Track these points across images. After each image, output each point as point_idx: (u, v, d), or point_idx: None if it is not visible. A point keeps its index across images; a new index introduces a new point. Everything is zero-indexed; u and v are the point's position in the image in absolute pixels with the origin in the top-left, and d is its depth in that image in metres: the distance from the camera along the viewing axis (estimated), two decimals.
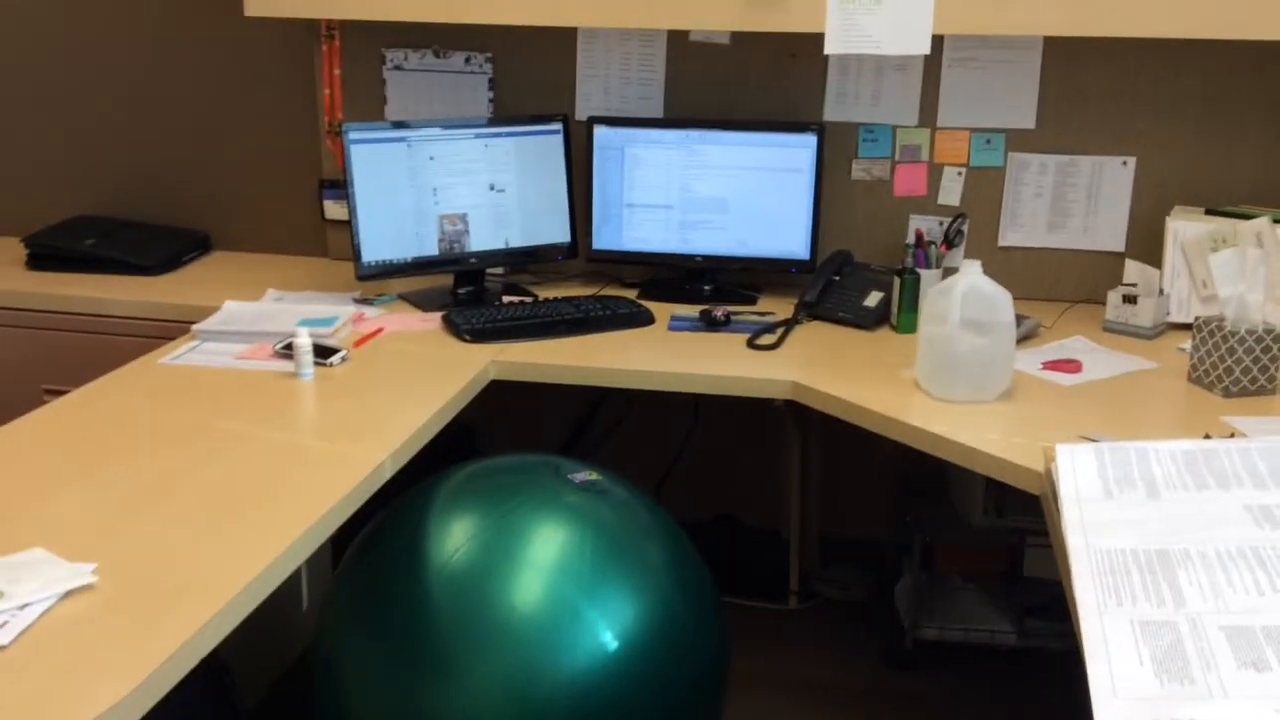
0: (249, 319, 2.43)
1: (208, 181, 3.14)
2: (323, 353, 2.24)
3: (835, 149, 2.77)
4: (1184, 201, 2.67)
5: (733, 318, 2.58)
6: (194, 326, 2.40)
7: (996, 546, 2.77)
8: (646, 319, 2.59)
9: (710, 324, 2.56)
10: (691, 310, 2.64)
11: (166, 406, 2.02)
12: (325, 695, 2.02)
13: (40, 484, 1.71)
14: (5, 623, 1.34)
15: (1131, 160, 2.71)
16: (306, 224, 3.09)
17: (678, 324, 2.58)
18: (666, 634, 1.98)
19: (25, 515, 1.61)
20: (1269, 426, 1.99)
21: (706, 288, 2.79)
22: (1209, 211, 2.60)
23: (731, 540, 3.12)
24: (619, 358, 2.38)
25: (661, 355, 2.40)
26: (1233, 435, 1.95)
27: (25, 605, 1.37)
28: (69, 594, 1.41)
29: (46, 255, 2.91)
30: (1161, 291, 2.53)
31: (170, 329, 2.53)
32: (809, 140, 2.69)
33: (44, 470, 1.76)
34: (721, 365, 2.34)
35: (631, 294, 2.76)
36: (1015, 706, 2.64)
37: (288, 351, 2.22)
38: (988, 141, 2.74)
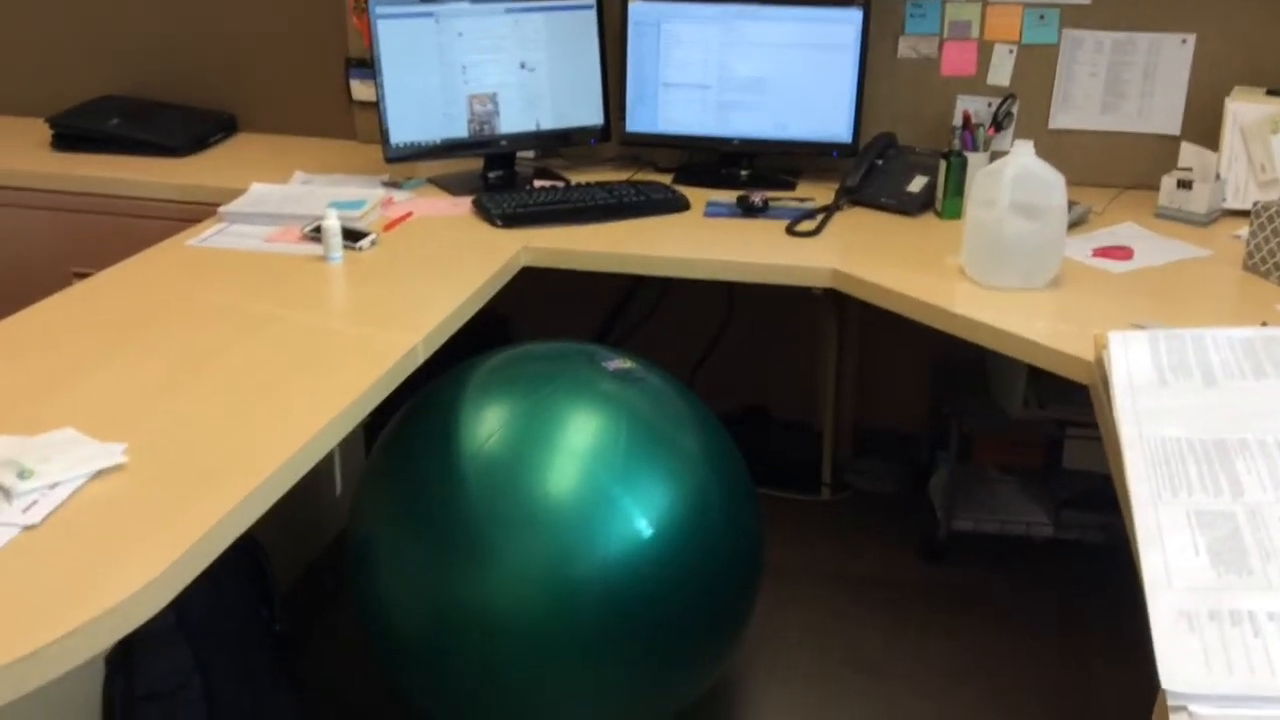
0: (276, 201, 2.38)
1: (233, 62, 3.07)
2: (352, 236, 2.19)
3: (881, 25, 2.66)
4: (1245, 81, 2.55)
5: (771, 203, 2.51)
6: (221, 208, 2.36)
7: (1035, 438, 2.72)
8: (682, 205, 2.52)
9: (748, 210, 2.49)
10: (728, 196, 2.57)
11: (196, 288, 1.99)
12: (360, 579, 2.03)
13: (69, 365, 1.69)
14: (36, 501, 1.33)
15: (1191, 38, 2.58)
16: (333, 105, 3.02)
17: (714, 210, 2.51)
18: (701, 521, 1.96)
19: (54, 396, 1.59)
20: None
21: (744, 172, 2.71)
22: (1271, 92, 2.49)
23: (764, 431, 3.10)
24: (653, 244, 2.32)
25: (697, 242, 2.33)
26: None
27: (55, 484, 1.36)
28: (100, 473, 1.40)
29: (71, 136, 2.87)
30: (1218, 176, 2.43)
31: (197, 211, 2.49)
32: (853, 16, 2.58)
33: (73, 351, 1.74)
34: (759, 253, 2.28)
35: (666, 179, 2.68)
36: (1050, 598, 2.62)
37: (316, 234, 2.17)
38: (1041, 17, 2.62)
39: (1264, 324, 1.85)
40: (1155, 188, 2.51)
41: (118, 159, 2.78)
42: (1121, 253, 2.23)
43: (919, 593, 2.65)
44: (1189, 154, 2.47)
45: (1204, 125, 2.58)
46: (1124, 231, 2.38)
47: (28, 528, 1.29)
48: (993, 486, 2.78)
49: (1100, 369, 1.66)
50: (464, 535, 1.87)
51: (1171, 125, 2.64)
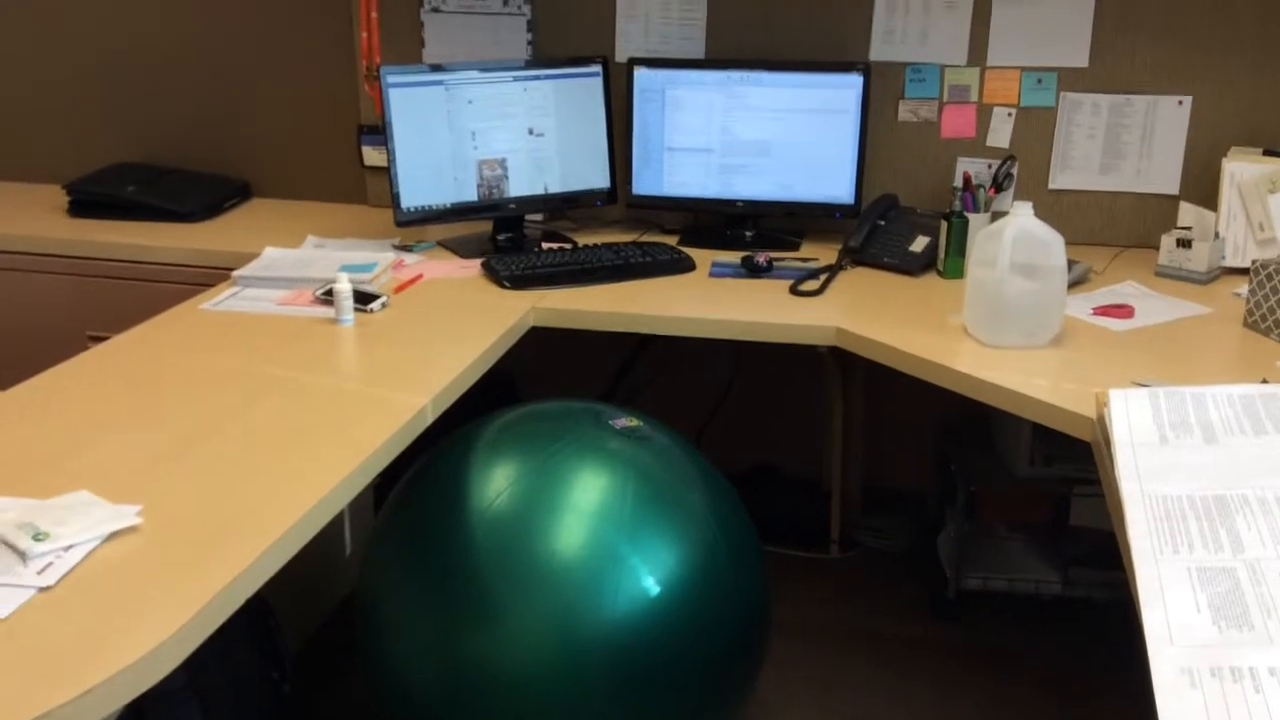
0: (289, 265, 2.43)
1: (247, 128, 3.13)
2: (363, 299, 2.23)
3: (881, 90, 2.71)
4: (1241, 142, 2.60)
5: (775, 264, 2.54)
6: (235, 273, 2.40)
7: (1042, 495, 2.73)
8: (687, 265, 2.56)
9: (752, 270, 2.52)
10: (733, 256, 2.60)
11: (209, 351, 2.02)
12: (369, 638, 2.04)
13: (85, 428, 1.72)
14: (51, 564, 1.35)
15: (1187, 100, 2.63)
16: (346, 171, 3.08)
17: (719, 270, 2.55)
18: (708, 580, 1.97)
19: (70, 458, 1.62)
20: None
21: (748, 233, 2.75)
22: (1267, 152, 2.53)
23: (772, 489, 3.10)
24: (659, 304, 2.35)
25: (702, 302, 2.37)
26: None
27: (70, 546, 1.38)
28: (114, 535, 1.42)
29: (88, 202, 2.92)
30: (1217, 235, 2.46)
31: (211, 275, 2.53)
32: (854, 81, 2.63)
33: (88, 414, 1.77)
34: (764, 312, 2.31)
35: (672, 240, 2.72)
36: (1060, 656, 2.61)
37: (328, 297, 2.21)
38: (1039, 81, 2.67)
39: (1264, 381, 1.87)
40: (1155, 247, 2.54)
41: (133, 224, 2.83)
42: (1122, 311, 2.25)
43: (928, 651, 2.64)
44: (1188, 213, 2.50)
45: (1202, 185, 2.62)
46: (1124, 290, 2.40)
47: (43, 589, 1.31)
48: (1001, 544, 2.78)
49: (1102, 426, 1.68)
50: (473, 594, 1.88)
51: (1170, 185, 2.67)
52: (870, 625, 2.73)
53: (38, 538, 1.37)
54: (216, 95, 3.12)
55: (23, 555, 1.35)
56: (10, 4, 3.16)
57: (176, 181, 3.03)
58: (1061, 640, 2.67)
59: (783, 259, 2.59)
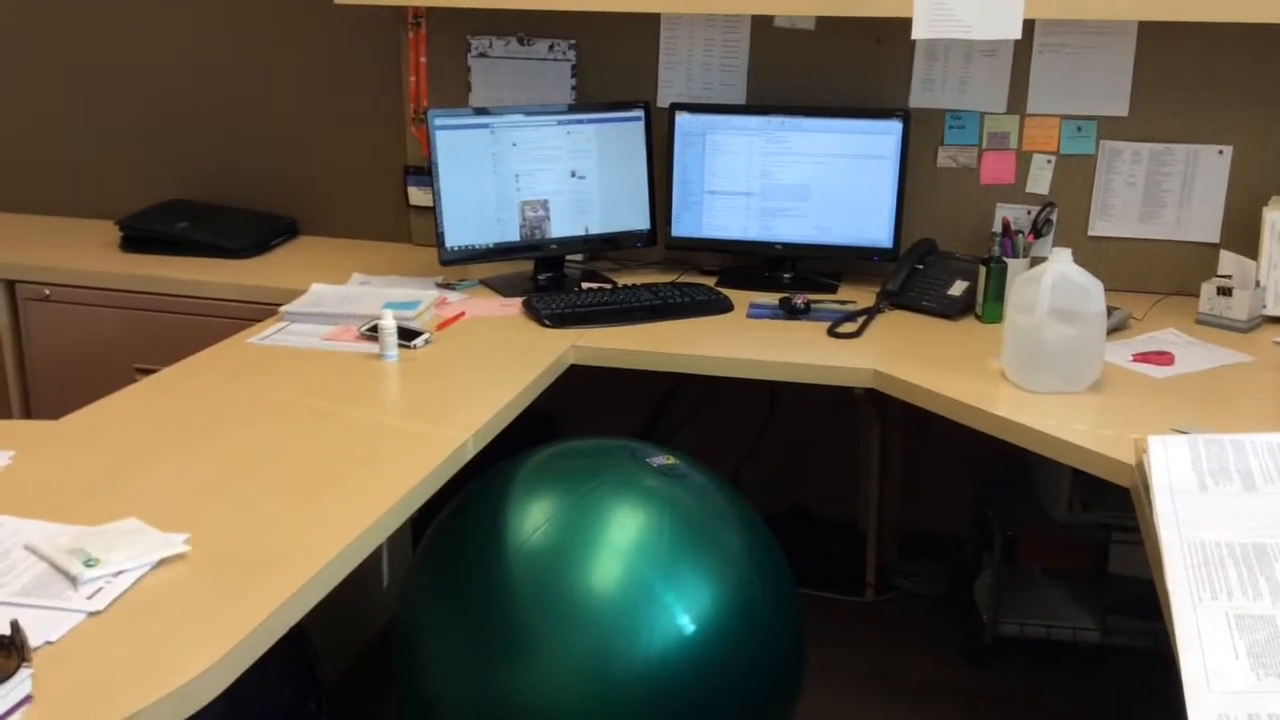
0: (335, 301, 2.47)
1: (296, 167, 3.20)
2: (406, 335, 2.27)
3: (921, 136, 2.73)
4: None
5: (813, 306, 2.56)
6: (282, 308, 2.44)
7: (1081, 541, 2.70)
8: (725, 306, 2.58)
9: (790, 312, 2.54)
10: (771, 298, 2.62)
11: (255, 385, 2.07)
12: (405, 672, 2.05)
13: (133, 457, 1.76)
14: (100, 589, 1.38)
15: (1228, 149, 2.63)
16: (391, 210, 3.13)
17: (757, 311, 2.57)
18: (743, 619, 1.98)
19: (119, 487, 1.66)
20: None
21: (786, 275, 2.77)
22: None
23: (807, 530, 3.10)
24: (697, 344, 2.37)
25: (740, 342, 2.39)
26: None
27: (120, 572, 1.41)
28: (162, 562, 1.45)
29: (140, 238, 2.99)
30: (1257, 284, 2.45)
31: (258, 310, 2.58)
32: (894, 127, 2.66)
33: (137, 444, 1.81)
34: (801, 353, 2.32)
35: (710, 281, 2.75)
36: (1098, 706, 2.58)
37: (373, 333, 2.25)
38: (1079, 129, 2.68)
39: None
40: (1195, 294, 2.53)
41: (183, 260, 2.89)
42: (1162, 358, 2.25)
43: (964, 697, 2.62)
44: (1228, 261, 2.50)
45: (1242, 233, 2.62)
46: (1165, 337, 2.40)
47: (93, 614, 1.34)
48: (1038, 590, 2.75)
49: (1141, 473, 1.68)
50: (508, 629, 1.90)
51: (1210, 233, 2.67)
52: (905, 670, 2.71)
53: (89, 563, 1.41)
54: (267, 135, 3.20)
55: (74, 580, 1.39)
56: (68, 44, 3.26)
57: (226, 218, 3.09)
58: (1099, 689, 2.63)
59: (821, 301, 2.61)
